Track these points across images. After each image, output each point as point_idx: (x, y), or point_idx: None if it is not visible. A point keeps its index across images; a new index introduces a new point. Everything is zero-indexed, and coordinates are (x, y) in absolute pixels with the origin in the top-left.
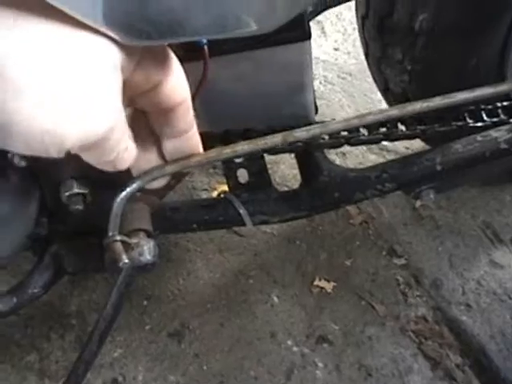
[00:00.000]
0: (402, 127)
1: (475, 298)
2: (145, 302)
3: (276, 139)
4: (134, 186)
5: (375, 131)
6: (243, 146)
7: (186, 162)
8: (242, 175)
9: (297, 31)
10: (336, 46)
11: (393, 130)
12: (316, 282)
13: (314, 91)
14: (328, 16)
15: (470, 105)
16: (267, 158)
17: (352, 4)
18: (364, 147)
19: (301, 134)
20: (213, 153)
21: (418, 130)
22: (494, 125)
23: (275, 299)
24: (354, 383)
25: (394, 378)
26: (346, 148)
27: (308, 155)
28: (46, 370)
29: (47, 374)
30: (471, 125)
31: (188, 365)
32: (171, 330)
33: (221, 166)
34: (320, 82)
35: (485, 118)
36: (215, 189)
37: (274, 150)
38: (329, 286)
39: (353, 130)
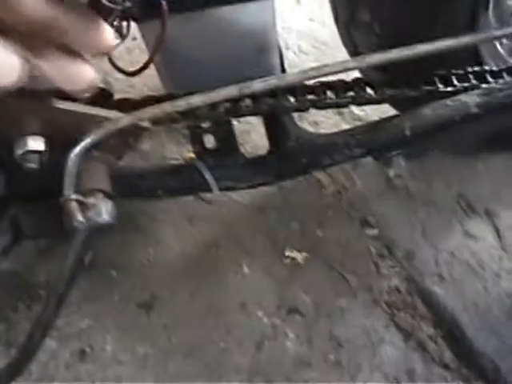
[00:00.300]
0: (370, 91)
1: (448, 269)
2: (113, 272)
3: (232, 90)
4: (88, 140)
5: (343, 94)
6: (198, 98)
7: (141, 114)
8: (209, 141)
9: None
10: (311, 17)
11: (361, 93)
12: (287, 253)
13: (281, 54)
14: None
15: (432, 55)
16: (238, 127)
17: None
18: (337, 116)
19: (257, 85)
20: (168, 105)
21: (386, 95)
22: (465, 90)
23: (246, 270)
24: (326, 354)
25: (365, 349)
26: (319, 117)
27: (276, 121)
28: (13, 341)
29: (14, 345)
30: (441, 90)
31: (157, 336)
32: (140, 301)
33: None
34: (294, 52)
35: (455, 82)
36: (186, 158)
37: (240, 115)
38: (300, 257)
39: (320, 93)
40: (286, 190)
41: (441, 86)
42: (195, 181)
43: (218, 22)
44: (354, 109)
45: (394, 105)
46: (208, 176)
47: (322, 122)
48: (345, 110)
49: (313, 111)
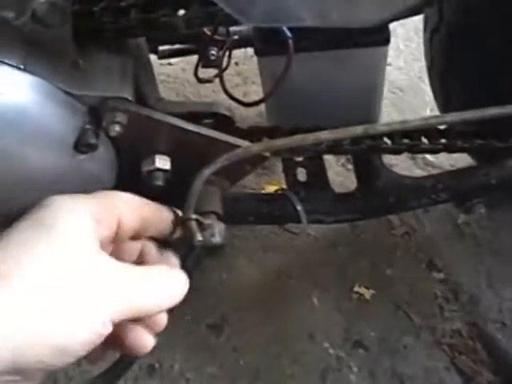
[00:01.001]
0: (461, 140)
1: (511, 317)
2: (186, 293)
3: (358, 130)
4: (217, 164)
5: (435, 141)
6: (325, 134)
7: (271, 144)
8: (301, 174)
9: (378, 35)
10: (388, 62)
11: (453, 141)
12: (356, 289)
13: (382, 96)
14: None
15: None
16: None
17: (405, 21)
18: (410, 161)
19: (381, 127)
20: (297, 138)
21: (476, 144)
22: None
23: (315, 301)
24: None
25: None
26: (393, 161)
27: (366, 159)
28: None
29: None
30: None
31: (225, 358)
32: (211, 322)
33: (270, 166)
34: None
35: None
36: (263, 189)
37: (339, 153)
38: (368, 294)
39: (415, 139)
40: (357, 227)
41: None
42: (286, 211)
43: (336, 62)
44: (428, 156)
45: (475, 155)
46: (299, 207)
47: (396, 165)
48: (418, 155)
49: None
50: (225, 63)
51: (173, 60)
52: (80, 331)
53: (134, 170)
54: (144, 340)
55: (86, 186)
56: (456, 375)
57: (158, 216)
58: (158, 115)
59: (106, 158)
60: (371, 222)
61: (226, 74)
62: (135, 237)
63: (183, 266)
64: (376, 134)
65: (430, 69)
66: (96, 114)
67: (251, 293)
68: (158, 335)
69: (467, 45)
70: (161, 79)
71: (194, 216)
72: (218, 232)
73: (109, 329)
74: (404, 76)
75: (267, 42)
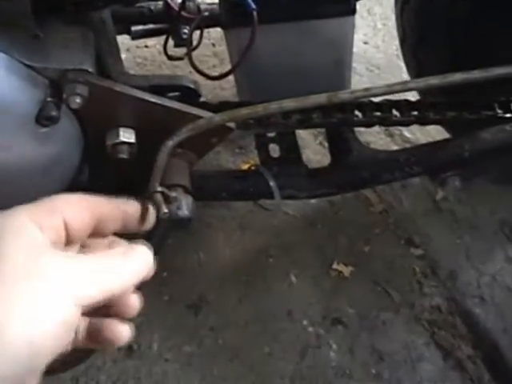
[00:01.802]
0: (433, 112)
1: (490, 292)
2: (164, 274)
3: (321, 99)
4: (180, 135)
5: (407, 113)
6: (289, 103)
7: (234, 113)
8: (274, 150)
9: (344, 5)
10: (365, 40)
11: (425, 113)
12: (334, 266)
13: (351, 71)
14: (359, 10)
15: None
16: None
17: (382, 0)
18: (388, 138)
19: (345, 95)
20: (260, 107)
21: (448, 116)
22: None
23: (293, 279)
24: (366, 366)
25: (405, 365)
26: (371, 138)
27: (338, 134)
28: None
29: None
30: (500, 115)
31: (203, 337)
32: (189, 302)
33: (246, 145)
34: None
35: None
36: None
37: (310, 126)
38: (346, 271)
39: (385, 111)
40: (335, 205)
41: (500, 112)
42: (259, 186)
43: (301, 34)
44: (405, 131)
45: (449, 128)
46: (272, 183)
47: (373, 142)
48: (395, 132)
49: (363, 132)
50: (197, 42)
51: (149, 42)
52: (47, 324)
53: (99, 145)
54: (120, 330)
55: (52, 162)
56: (435, 350)
57: (117, 211)
58: (119, 87)
59: (70, 132)
60: (349, 199)
61: (202, 55)
62: (98, 235)
63: (150, 240)
64: (340, 101)
65: (403, 42)
66: (57, 86)
67: (229, 272)
68: (133, 320)
69: (436, 15)
70: (137, 62)
71: (159, 189)
72: (184, 205)
73: (76, 315)
74: (381, 54)
75: (232, 15)
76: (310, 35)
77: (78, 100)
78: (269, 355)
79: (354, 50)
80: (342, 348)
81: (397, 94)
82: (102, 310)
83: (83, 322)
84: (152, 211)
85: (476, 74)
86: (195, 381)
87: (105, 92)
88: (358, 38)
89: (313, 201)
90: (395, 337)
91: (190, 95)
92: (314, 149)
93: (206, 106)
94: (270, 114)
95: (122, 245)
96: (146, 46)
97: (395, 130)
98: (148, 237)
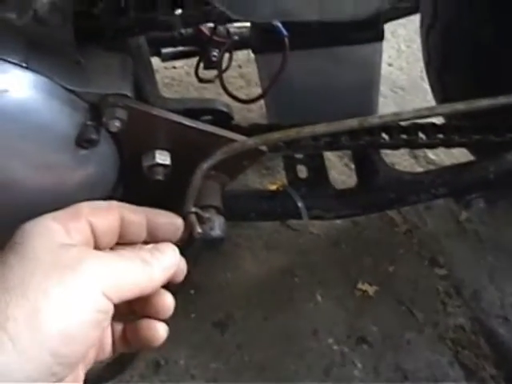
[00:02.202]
0: (458, 135)
1: None
2: (192, 291)
3: (352, 123)
4: (215, 158)
5: (433, 136)
6: (321, 127)
7: (268, 137)
8: (301, 171)
9: (372, 31)
10: (390, 62)
11: (450, 136)
12: (359, 286)
13: (378, 93)
14: None
15: None
16: None
17: (406, 22)
18: (412, 160)
19: (374, 120)
20: (293, 131)
21: (473, 139)
22: None
23: (319, 298)
24: None
25: (429, 383)
26: (395, 159)
27: (365, 156)
28: None
29: None
30: None
31: (230, 355)
32: (215, 320)
33: (273, 166)
34: None
35: None
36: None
37: (338, 148)
38: (371, 290)
39: (412, 134)
40: (360, 226)
41: None
42: (287, 207)
43: (332, 60)
44: (429, 153)
45: (474, 150)
46: (300, 203)
47: (397, 163)
48: (420, 153)
49: (389, 154)
50: (226, 64)
51: (177, 64)
52: (82, 312)
53: (135, 166)
54: (156, 329)
55: (89, 183)
56: (459, 370)
57: (144, 219)
58: (156, 111)
59: (107, 154)
60: (374, 220)
61: (229, 77)
62: (126, 243)
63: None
64: (370, 126)
65: (428, 65)
66: (97, 110)
67: (255, 291)
68: (168, 324)
69: (461, 39)
70: (165, 82)
71: (193, 209)
72: (217, 225)
73: (110, 305)
74: (405, 76)
75: (264, 40)
76: (340, 61)
77: (117, 124)
78: (294, 373)
79: None
80: (366, 366)
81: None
82: (137, 311)
83: (119, 326)
84: (181, 224)
85: (501, 100)
86: None
87: (143, 116)
88: (383, 60)
89: (337, 221)
90: (419, 356)
91: (222, 118)
92: (339, 170)
93: (237, 129)
94: (302, 138)
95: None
96: (174, 67)
97: (420, 151)
98: (183, 255)
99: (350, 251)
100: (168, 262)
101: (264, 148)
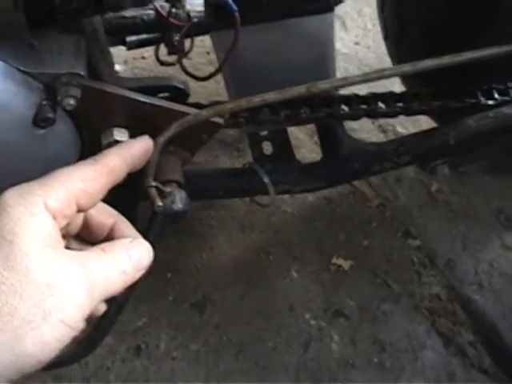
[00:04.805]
0: (418, 102)
1: (487, 278)
2: (168, 275)
3: (301, 89)
4: (171, 131)
5: (393, 105)
6: (271, 95)
7: (220, 108)
8: (267, 148)
9: (322, 2)
10: (357, 41)
11: (409, 104)
12: (334, 260)
13: (335, 67)
14: (349, 12)
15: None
16: None
17: (372, 1)
18: (382, 134)
19: (324, 85)
20: (243, 101)
21: (433, 106)
22: (506, 103)
23: (294, 275)
24: (369, 357)
25: (407, 353)
26: (365, 134)
27: (329, 130)
28: None
29: None
30: (483, 102)
31: (208, 335)
32: (193, 302)
33: (244, 148)
34: (341, 74)
35: (496, 96)
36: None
37: (299, 121)
38: (346, 264)
39: (371, 103)
40: (333, 202)
41: (482, 99)
42: (254, 183)
43: (284, 33)
44: (398, 127)
45: (435, 117)
46: (266, 179)
47: (367, 138)
48: (388, 128)
49: (357, 129)
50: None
51: (146, 54)
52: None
53: (95, 144)
54: None
55: (50, 162)
56: (437, 338)
57: (125, 159)
58: (110, 88)
59: (66, 133)
60: (346, 196)
61: (198, 64)
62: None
63: (147, 235)
64: (319, 91)
65: (386, 37)
66: (52, 90)
67: (231, 271)
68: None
69: (414, 7)
70: (135, 73)
71: (153, 183)
72: (178, 199)
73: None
74: (373, 54)
75: (216, 17)
76: (292, 34)
77: (71, 102)
78: (273, 349)
79: (346, 51)
80: (344, 339)
81: (383, 87)
82: None
83: None
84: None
85: (446, 60)
86: (202, 377)
87: (96, 93)
88: (350, 39)
89: (310, 198)
90: (396, 326)
91: (179, 95)
92: (309, 148)
93: (196, 105)
94: (253, 107)
95: (125, 231)
96: (143, 58)
97: (388, 125)
98: (145, 232)
99: (323, 228)
100: (143, 259)
101: (220, 121)
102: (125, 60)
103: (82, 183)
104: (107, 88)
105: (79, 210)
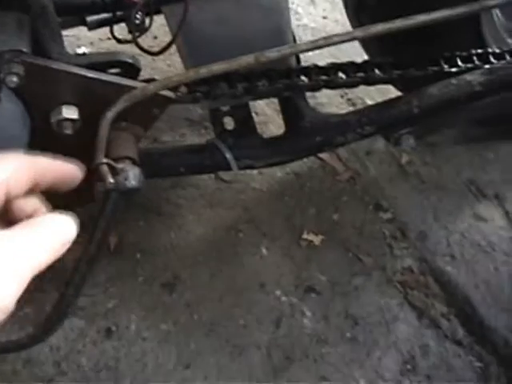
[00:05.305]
0: (379, 71)
1: (460, 249)
2: (138, 255)
3: (249, 59)
4: (118, 106)
5: (353, 75)
6: (219, 66)
7: (167, 81)
8: (229, 124)
9: None
10: (324, 15)
11: (370, 73)
12: (304, 236)
13: (293, 39)
14: None
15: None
16: (256, 119)
17: None
18: (351, 108)
19: (272, 54)
20: (191, 72)
21: (394, 75)
22: (469, 70)
23: (264, 251)
24: (341, 331)
25: (380, 327)
26: (333, 108)
27: (291, 103)
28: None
29: None
30: (446, 70)
31: (179, 314)
32: (163, 281)
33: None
34: None
35: (459, 63)
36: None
37: (257, 94)
38: (317, 239)
39: (331, 74)
40: (302, 177)
41: (445, 67)
42: (216, 159)
43: (237, 3)
44: (367, 99)
45: (399, 87)
46: (228, 155)
47: (335, 112)
48: (358, 101)
49: (326, 103)
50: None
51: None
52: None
53: (45, 122)
54: None
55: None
56: (409, 311)
57: (54, 168)
58: (56, 65)
59: (13, 112)
60: (316, 170)
61: (163, 42)
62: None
63: (103, 214)
64: (267, 60)
65: (346, 8)
66: None
67: (201, 249)
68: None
69: None
70: None
71: (104, 160)
72: (132, 176)
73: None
74: (340, 27)
75: None
76: (246, 3)
77: (14, 79)
78: (244, 327)
79: (314, 25)
80: (316, 315)
81: (343, 57)
82: None
83: None
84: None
85: (399, 23)
86: (173, 357)
87: (41, 70)
88: (317, 13)
89: (279, 174)
90: (368, 300)
91: (130, 71)
92: (277, 123)
93: (148, 81)
94: (203, 78)
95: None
96: (109, 39)
97: (357, 99)
98: (100, 210)
99: (293, 203)
100: (65, 232)
101: (171, 94)
102: (91, 42)
103: (15, 172)
104: (52, 64)
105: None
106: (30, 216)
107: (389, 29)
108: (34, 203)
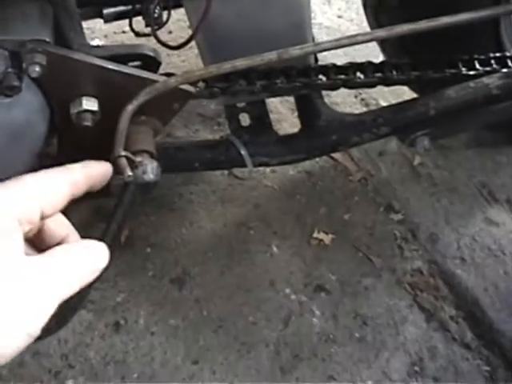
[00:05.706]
0: (397, 73)
1: (470, 252)
2: (148, 250)
3: (271, 56)
4: (140, 99)
5: (371, 75)
6: (241, 62)
7: (189, 75)
8: (244, 120)
9: None
10: (339, 14)
11: (388, 74)
12: (315, 235)
13: (312, 36)
14: None
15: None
16: (270, 117)
17: None
18: (364, 108)
19: (295, 51)
20: (213, 67)
21: (412, 76)
22: (486, 74)
23: (275, 249)
24: (350, 331)
25: (388, 328)
26: (347, 108)
27: (307, 101)
28: None
29: None
30: (464, 73)
31: (188, 310)
32: (173, 277)
33: (224, 122)
34: None
35: (477, 66)
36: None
37: (275, 92)
38: (327, 239)
39: (349, 73)
40: (314, 176)
41: (463, 70)
42: (231, 155)
43: (260, 2)
44: (380, 100)
45: (416, 88)
46: (243, 151)
47: (349, 112)
48: (372, 101)
49: (340, 102)
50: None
51: (126, 28)
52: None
53: (64, 114)
54: None
55: (18, 132)
56: (418, 313)
57: (89, 175)
58: (77, 55)
59: (34, 102)
60: (328, 169)
61: (178, 37)
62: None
63: (120, 207)
64: (290, 57)
65: (365, 7)
66: (17, 57)
67: (211, 246)
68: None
69: None
70: None
71: (123, 153)
72: (150, 169)
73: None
74: (356, 27)
75: None
76: (266, 2)
77: (37, 69)
78: (253, 324)
79: (329, 24)
80: (325, 314)
81: (361, 57)
82: None
83: None
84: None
85: (423, 25)
86: (181, 352)
87: (63, 60)
88: (333, 12)
89: (291, 172)
90: (378, 301)
91: (150, 64)
92: (291, 122)
93: (168, 75)
94: (223, 74)
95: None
96: (124, 32)
97: (371, 99)
98: (116, 202)
99: (304, 202)
100: (99, 260)
101: (191, 89)
102: (105, 34)
103: (49, 192)
104: (74, 55)
105: (41, 218)
106: (62, 240)
107: (413, 30)
108: (66, 227)
